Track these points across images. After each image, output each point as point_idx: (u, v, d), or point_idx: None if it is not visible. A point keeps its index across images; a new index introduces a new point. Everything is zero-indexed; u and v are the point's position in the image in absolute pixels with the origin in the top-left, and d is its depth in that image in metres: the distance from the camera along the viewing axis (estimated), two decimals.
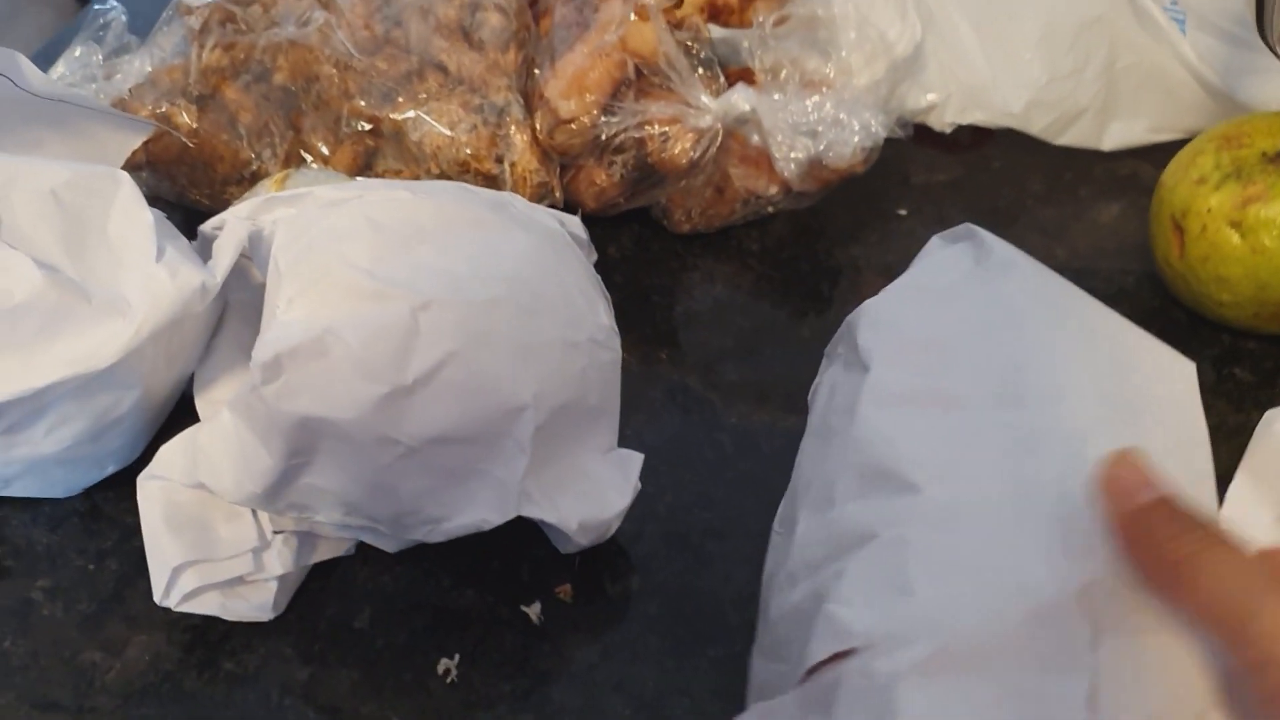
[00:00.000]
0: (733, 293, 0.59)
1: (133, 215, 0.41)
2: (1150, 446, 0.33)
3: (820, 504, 0.37)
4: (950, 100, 0.65)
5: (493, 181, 0.56)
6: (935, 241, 0.45)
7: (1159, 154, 0.68)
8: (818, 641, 0.32)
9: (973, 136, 0.69)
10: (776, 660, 0.36)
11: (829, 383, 0.42)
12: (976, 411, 0.36)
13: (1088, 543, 0.31)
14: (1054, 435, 0.35)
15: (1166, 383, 0.38)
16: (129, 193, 0.42)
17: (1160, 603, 0.28)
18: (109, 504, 0.46)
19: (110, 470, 0.45)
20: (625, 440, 0.45)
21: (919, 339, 0.40)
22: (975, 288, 0.41)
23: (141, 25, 0.61)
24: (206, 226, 0.46)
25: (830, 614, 0.32)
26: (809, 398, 0.43)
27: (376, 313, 0.39)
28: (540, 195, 0.56)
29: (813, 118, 0.53)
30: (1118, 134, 0.66)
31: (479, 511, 0.41)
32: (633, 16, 0.53)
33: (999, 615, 0.30)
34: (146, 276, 0.40)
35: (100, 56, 0.58)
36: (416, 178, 0.56)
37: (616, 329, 0.44)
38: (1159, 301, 0.59)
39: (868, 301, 0.43)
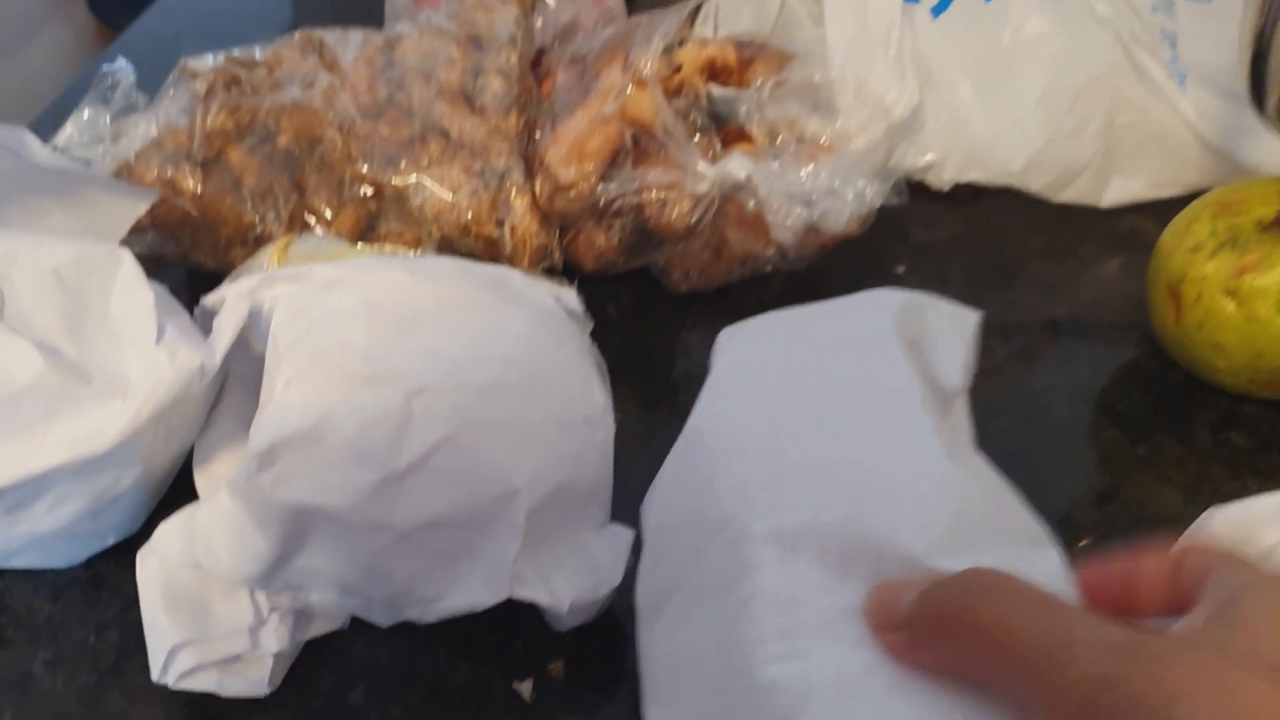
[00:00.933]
0: None
1: (134, 294, 0.42)
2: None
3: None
4: (949, 159, 0.65)
5: (493, 244, 0.56)
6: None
7: (1159, 210, 0.68)
8: None
9: (972, 192, 0.69)
10: None
11: None
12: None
13: None
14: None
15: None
16: (130, 271, 0.42)
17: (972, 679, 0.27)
18: (110, 573, 0.47)
19: (111, 541, 0.46)
20: (621, 503, 0.45)
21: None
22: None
23: (150, 79, 0.62)
24: (208, 301, 0.46)
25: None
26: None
27: (371, 399, 0.39)
28: (540, 258, 0.57)
29: (807, 186, 0.53)
30: (1118, 190, 0.67)
31: (472, 593, 0.41)
32: (631, 85, 0.54)
33: None
34: (147, 358, 0.41)
35: (108, 119, 0.58)
36: (418, 240, 0.57)
37: (610, 404, 0.45)
38: (1159, 364, 0.59)
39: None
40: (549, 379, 0.42)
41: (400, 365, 0.40)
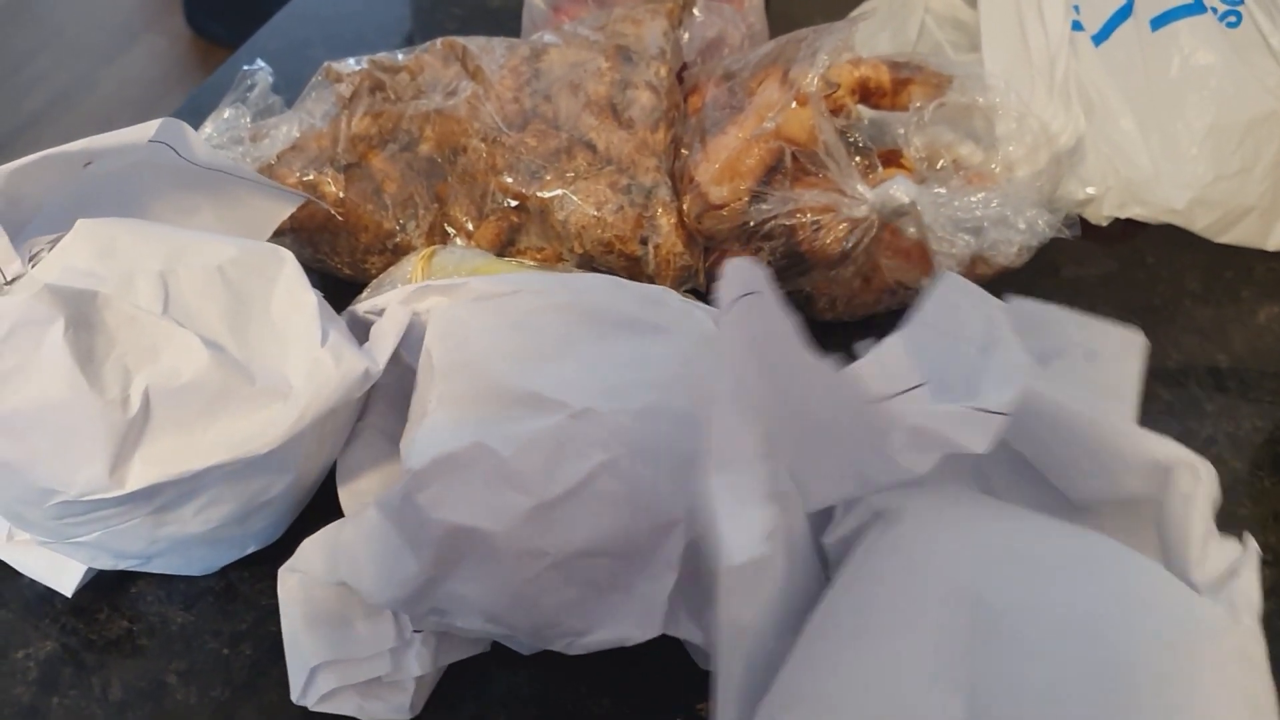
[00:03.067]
0: None
1: (297, 295, 0.41)
2: None
3: None
4: (1109, 193, 0.62)
5: (636, 262, 0.54)
6: None
7: None
8: None
9: (1125, 229, 0.66)
10: None
11: None
12: None
13: None
14: None
15: None
16: (293, 272, 0.41)
17: None
18: (245, 584, 0.45)
19: (250, 550, 0.45)
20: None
21: None
22: None
23: (282, 84, 0.61)
24: (359, 308, 0.45)
25: None
26: None
27: (528, 420, 0.37)
28: (683, 278, 0.55)
29: (977, 214, 0.50)
30: None
31: (621, 628, 0.39)
32: (793, 103, 0.52)
33: None
34: (311, 360, 0.39)
35: (248, 119, 0.58)
36: (560, 256, 0.55)
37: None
38: None
39: None
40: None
41: (558, 386, 0.39)
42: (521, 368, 0.39)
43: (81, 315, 0.37)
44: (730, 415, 0.32)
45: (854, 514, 0.38)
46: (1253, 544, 0.35)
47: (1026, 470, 0.41)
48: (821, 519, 0.39)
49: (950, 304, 0.41)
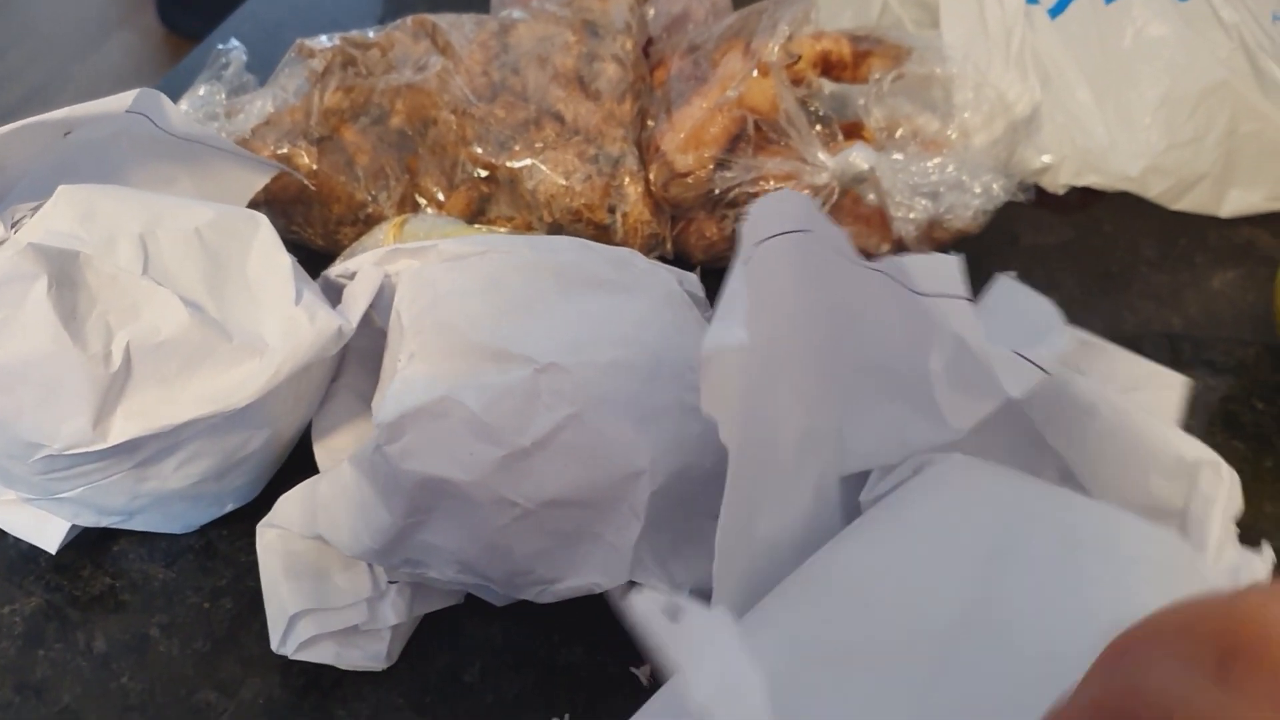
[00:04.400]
0: None
1: (272, 257, 0.42)
2: None
3: None
4: (1065, 162, 0.64)
5: (604, 231, 0.56)
6: None
7: (1277, 222, 0.66)
8: None
9: (1083, 197, 0.67)
10: None
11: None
12: None
13: None
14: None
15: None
16: (268, 235, 0.42)
17: None
18: (224, 542, 0.46)
19: (229, 508, 0.46)
20: None
21: None
22: None
23: (255, 64, 0.62)
24: (331, 272, 0.46)
25: None
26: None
27: (497, 374, 0.39)
28: (651, 246, 0.56)
29: (933, 179, 0.52)
30: (1236, 201, 0.65)
31: (590, 575, 0.41)
32: (754, 73, 0.53)
33: None
34: (286, 318, 0.40)
35: (223, 95, 0.59)
36: (529, 225, 0.56)
37: None
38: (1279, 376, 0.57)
39: None
40: (672, 360, 0.42)
41: (526, 341, 0.40)
42: (489, 325, 0.40)
43: (64, 273, 0.38)
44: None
45: (894, 474, 0.39)
46: (1269, 552, 0.36)
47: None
48: (856, 481, 0.40)
49: (1010, 296, 0.42)
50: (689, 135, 0.54)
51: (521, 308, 0.41)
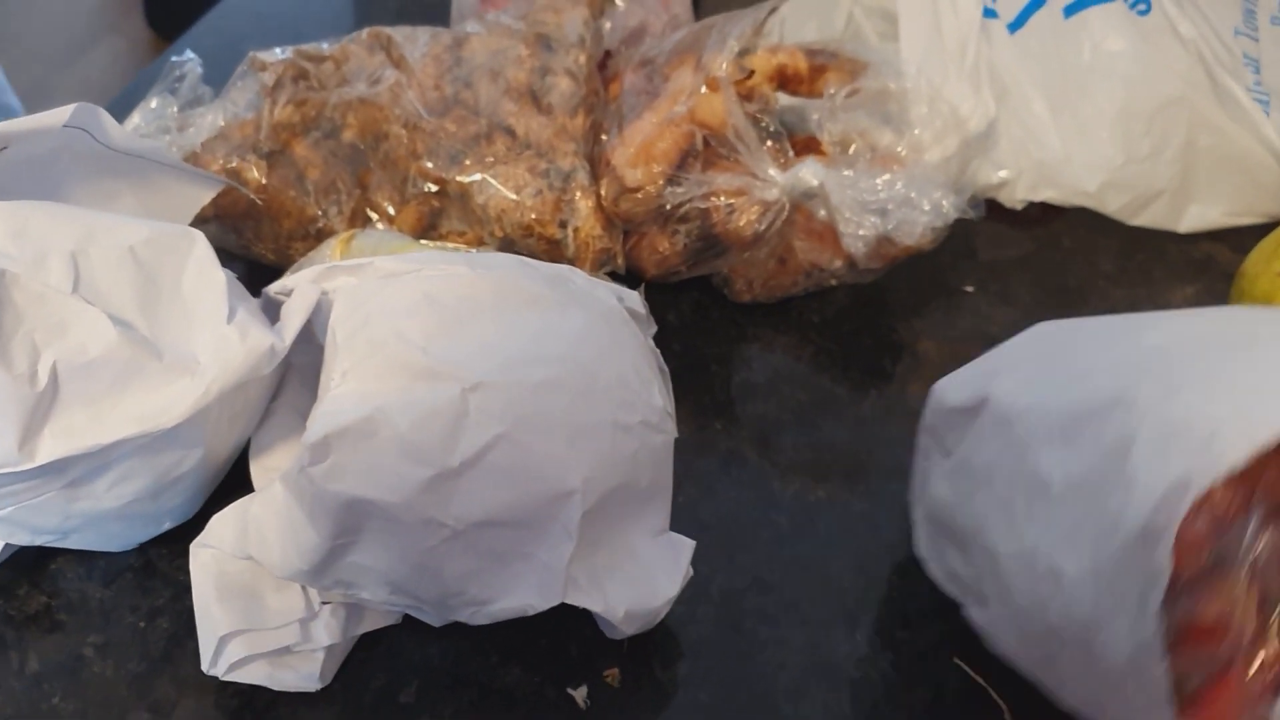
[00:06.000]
0: (792, 364, 0.58)
1: (206, 275, 0.42)
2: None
3: (1035, 499, 0.38)
4: (1022, 177, 0.64)
5: (555, 246, 0.55)
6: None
7: (1235, 237, 0.66)
8: (1163, 513, 0.33)
9: (1042, 212, 0.67)
10: None
11: (942, 475, 0.43)
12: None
13: None
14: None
15: None
16: (204, 252, 0.42)
17: None
18: (163, 560, 0.46)
19: (167, 526, 0.46)
20: (678, 512, 0.44)
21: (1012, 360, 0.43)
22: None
23: (216, 76, 0.62)
24: (271, 289, 0.46)
25: (1151, 495, 0.33)
26: (916, 488, 0.46)
27: (426, 393, 0.38)
28: (602, 261, 0.56)
29: (882, 195, 0.52)
30: (1195, 217, 0.65)
31: (524, 596, 0.40)
32: (703, 88, 0.53)
33: None
34: (218, 337, 0.40)
35: (175, 109, 0.58)
36: (480, 240, 0.56)
37: (671, 410, 0.44)
38: None
39: (940, 382, 0.44)
40: (608, 379, 0.41)
41: (457, 360, 0.39)
42: (420, 343, 0.40)
43: None
44: None
45: None
46: None
47: None
48: None
49: None
50: (639, 150, 0.54)
51: (454, 325, 0.41)
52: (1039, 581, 0.38)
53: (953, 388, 0.44)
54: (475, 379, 0.39)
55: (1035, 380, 0.40)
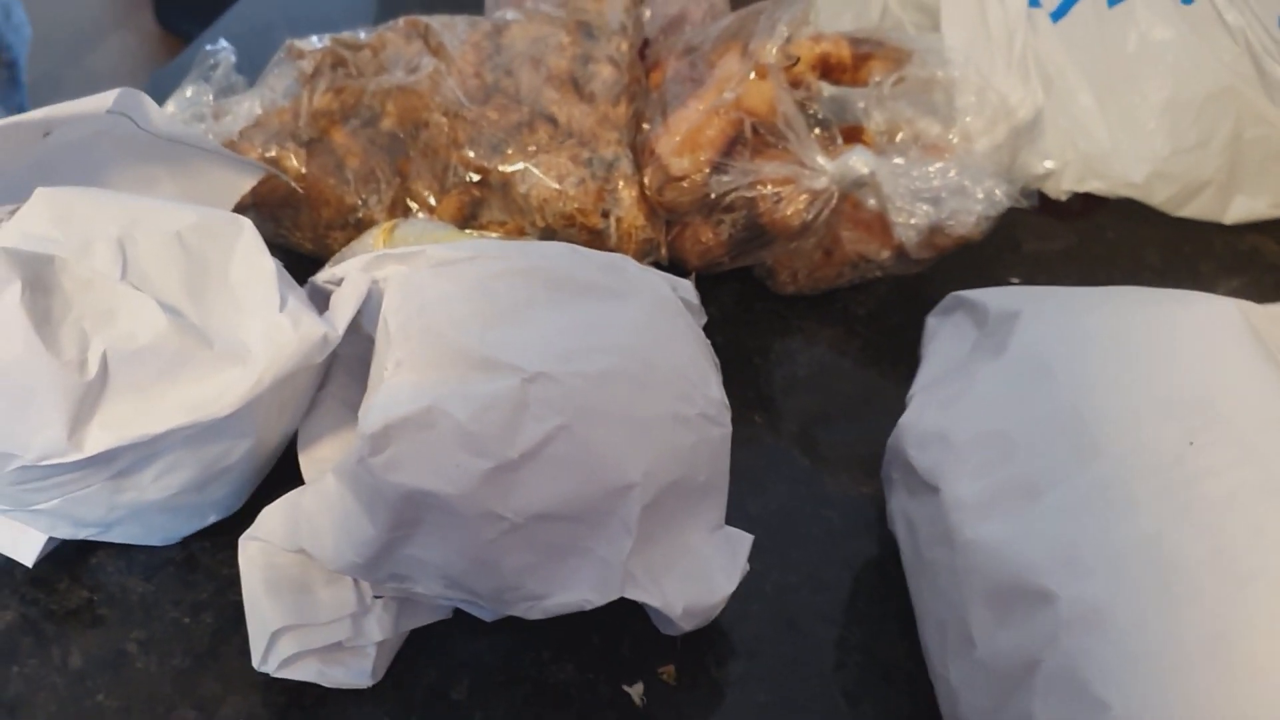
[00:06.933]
0: (836, 357, 0.57)
1: (255, 262, 0.41)
2: (1217, 402, 0.34)
3: (963, 647, 0.36)
4: (1068, 168, 0.63)
5: (598, 236, 0.55)
6: (930, 323, 0.44)
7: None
8: None
9: (1085, 203, 0.66)
10: None
11: (902, 514, 0.42)
12: (1061, 485, 0.35)
13: (1261, 565, 0.29)
14: (1140, 467, 0.33)
15: (1207, 324, 0.38)
16: (251, 239, 0.41)
17: None
18: (205, 554, 0.45)
19: (211, 520, 0.45)
20: (728, 508, 0.43)
21: (969, 438, 0.39)
22: (990, 358, 0.40)
23: (246, 66, 0.61)
24: (319, 278, 0.45)
25: None
26: (889, 526, 0.44)
27: (485, 383, 0.37)
28: (645, 251, 0.55)
29: (935, 184, 0.51)
30: (1241, 208, 0.64)
31: (581, 591, 0.39)
32: (752, 75, 0.52)
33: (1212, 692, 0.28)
34: (270, 325, 0.39)
35: (211, 96, 0.57)
36: (521, 230, 0.55)
37: (727, 402, 0.43)
38: None
39: (902, 420, 0.42)
40: (666, 370, 0.41)
41: (515, 349, 0.39)
42: (477, 332, 0.39)
43: (38, 278, 0.37)
44: None
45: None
46: None
47: None
48: None
49: None
50: (685, 138, 0.53)
51: (510, 314, 0.40)
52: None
53: (913, 441, 0.41)
54: (534, 369, 0.38)
55: (988, 495, 0.37)
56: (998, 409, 0.38)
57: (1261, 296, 0.61)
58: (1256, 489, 0.32)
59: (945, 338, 0.43)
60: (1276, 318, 0.40)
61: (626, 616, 0.43)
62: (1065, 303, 0.41)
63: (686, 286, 0.46)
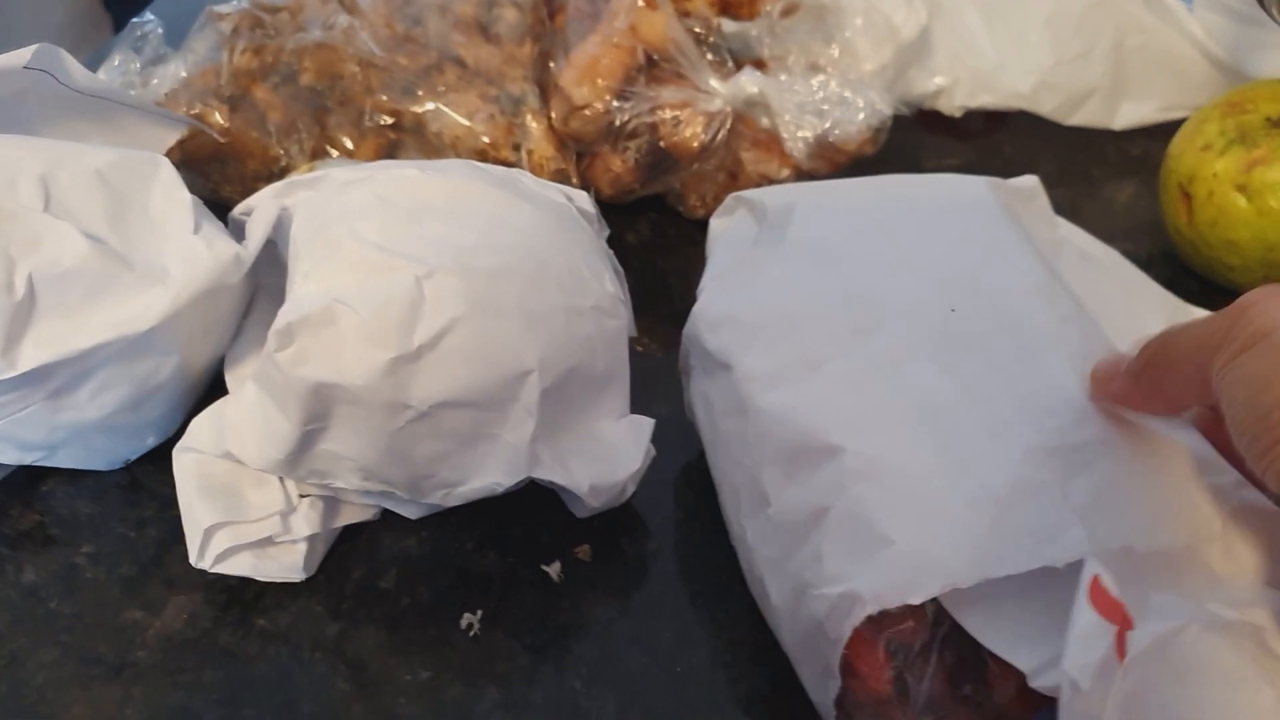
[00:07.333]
0: None
1: (172, 194, 0.44)
2: (976, 274, 0.38)
3: (757, 506, 0.39)
4: (958, 84, 0.66)
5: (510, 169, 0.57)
6: (713, 224, 0.48)
7: (1170, 133, 0.68)
8: (834, 623, 0.33)
9: (984, 123, 0.70)
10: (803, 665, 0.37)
11: (700, 394, 0.44)
12: (840, 356, 0.38)
13: (1015, 416, 0.33)
14: (910, 337, 0.37)
15: (963, 204, 0.43)
16: (168, 174, 0.44)
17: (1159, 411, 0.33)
18: (149, 477, 0.48)
19: (150, 443, 0.48)
20: (644, 410, 0.46)
21: (755, 320, 0.42)
22: (770, 248, 0.43)
23: (177, 40, 0.64)
24: (236, 212, 0.48)
25: (827, 596, 0.33)
26: (687, 414, 0.46)
27: (383, 283, 0.40)
28: (557, 183, 0.58)
29: (819, 96, 0.54)
30: (1129, 114, 0.67)
31: (491, 475, 0.42)
32: (641, 4, 0.55)
33: (979, 524, 0.31)
34: (186, 248, 0.42)
35: (138, 65, 0.60)
36: None
37: (625, 298, 0.46)
38: (1171, 273, 0.59)
39: (694, 309, 0.45)
40: (559, 267, 0.43)
41: (411, 252, 0.41)
42: (376, 238, 0.42)
43: None
44: None
45: None
46: None
47: None
48: None
49: None
50: (585, 69, 0.56)
51: (407, 222, 0.43)
52: (754, 581, 0.40)
53: (706, 326, 0.44)
54: (429, 267, 0.41)
55: (775, 367, 0.40)
56: (781, 291, 0.42)
57: (1152, 196, 0.64)
58: (1006, 351, 0.36)
59: (728, 235, 0.47)
60: (1018, 190, 0.44)
61: (545, 508, 0.46)
62: (835, 192, 0.45)
63: (582, 196, 0.49)
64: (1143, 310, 0.45)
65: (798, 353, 0.39)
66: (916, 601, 0.31)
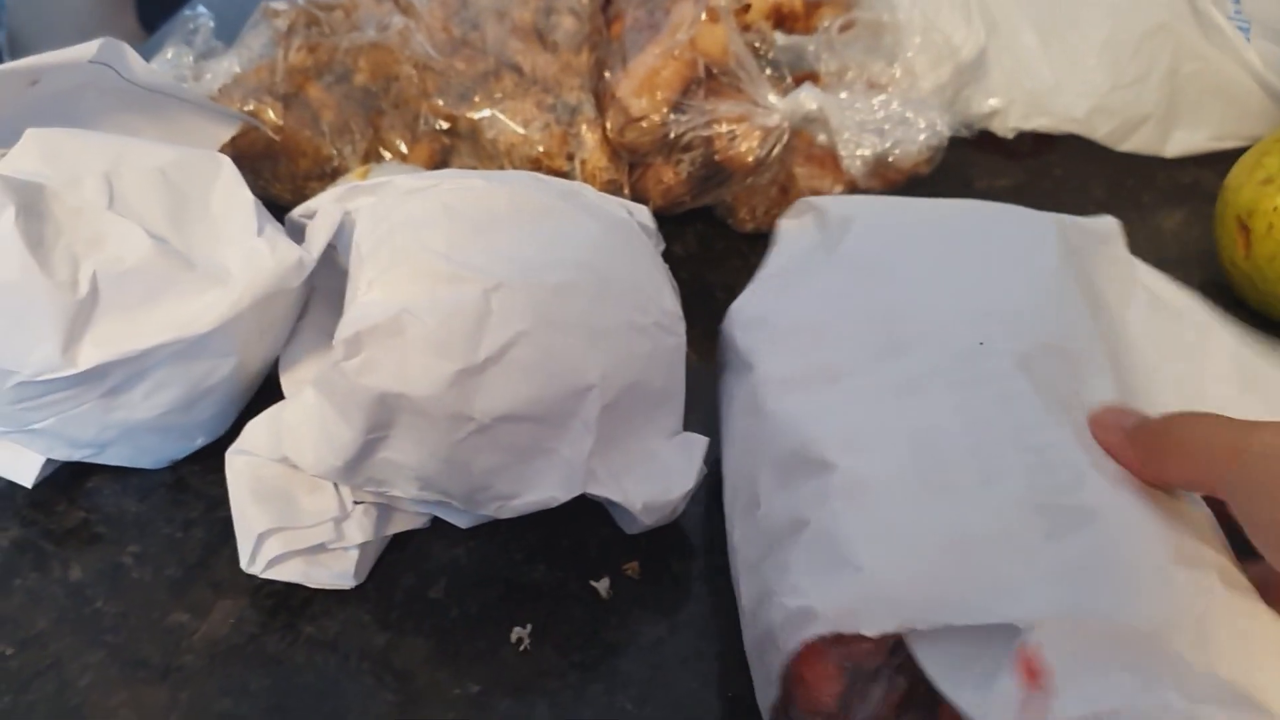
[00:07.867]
0: None
1: (234, 194, 0.44)
2: (1018, 313, 0.38)
3: (748, 508, 0.39)
4: (1013, 106, 0.66)
5: (564, 178, 0.57)
6: (781, 225, 0.48)
7: (1222, 162, 0.68)
8: (786, 634, 0.32)
9: (1035, 144, 0.69)
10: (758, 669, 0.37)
11: (725, 389, 0.44)
12: (860, 373, 0.38)
13: (1014, 465, 0.33)
14: (932, 365, 0.37)
15: (1023, 241, 0.42)
16: (230, 173, 0.44)
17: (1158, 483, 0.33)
18: (195, 477, 0.48)
19: (199, 443, 0.47)
20: (691, 429, 0.46)
21: (788, 325, 0.42)
22: (823, 257, 0.43)
23: (227, 32, 0.64)
24: (296, 214, 0.48)
25: (785, 606, 0.33)
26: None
27: (451, 294, 0.40)
28: (609, 192, 0.58)
29: (879, 116, 0.54)
30: (1181, 141, 0.67)
31: (546, 489, 0.42)
32: (704, 17, 0.55)
33: (948, 566, 0.31)
34: (248, 249, 0.42)
35: (191, 58, 0.60)
36: None
37: (682, 315, 0.45)
38: (1223, 305, 0.58)
39: (734, 304, 0.45)
40: (621, 283, 0.43)
41: (478, 264, 0.41)
42: (443, 250, 0.42)
43: (31, 205, 0.40)
44: None
45: None
46: None
47: None
48: None
49: None
50: (642, 81, 0.55)
51: (473, 233, 0.43)
52: (734, 580, 0.40)
53: (740, 324, 0.44)
54: (496, 281, 0.40)
55: (794, 374, 0.40)
56: (818, 301, 0.41)
57: (1203, 225, 0.64)
58: (1023, 398, 0.35)
59: (792, 237, 0.47)
60: (1091, 231, 0.44)
61: (594, 522, 0.46)
62: (896, 211, 0.45)
63: (643, 211, 0.49)
64: (1210, 368, 0.44)
65: (820, 363, 0.39)
66: (870, 634, 0.31)
